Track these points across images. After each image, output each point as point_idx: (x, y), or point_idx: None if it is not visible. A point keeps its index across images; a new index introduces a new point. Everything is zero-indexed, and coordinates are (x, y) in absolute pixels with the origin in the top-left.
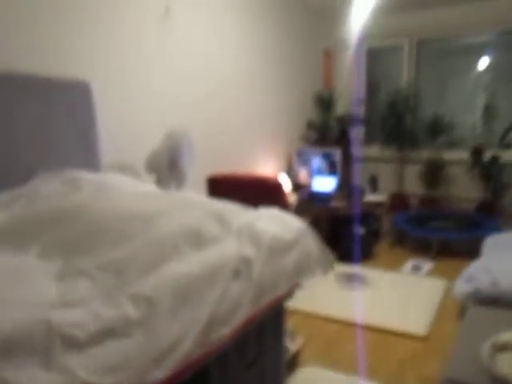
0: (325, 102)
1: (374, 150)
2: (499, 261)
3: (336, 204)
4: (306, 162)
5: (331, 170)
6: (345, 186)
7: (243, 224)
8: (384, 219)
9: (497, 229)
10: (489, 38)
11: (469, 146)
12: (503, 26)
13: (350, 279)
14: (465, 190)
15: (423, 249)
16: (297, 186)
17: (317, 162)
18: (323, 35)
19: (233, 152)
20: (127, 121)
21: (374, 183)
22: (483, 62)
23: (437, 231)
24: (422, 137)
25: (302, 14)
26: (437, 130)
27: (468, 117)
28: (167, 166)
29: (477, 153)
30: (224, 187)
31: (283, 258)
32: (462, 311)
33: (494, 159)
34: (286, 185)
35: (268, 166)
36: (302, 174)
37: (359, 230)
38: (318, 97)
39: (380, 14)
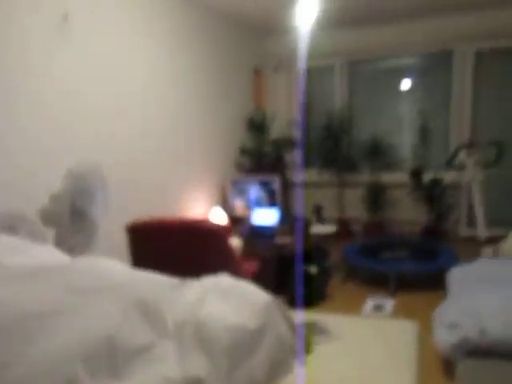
0: (258, 126)
1: (313, 175)
2: (480, 301)
3: (281, 240)
4: (242, 193)
5: (271, 200)
6: (288, 218)
7: (184, 316)
8: (332, 252)
9: (454, 257)
10: (419, 59)
11: (408, 167)
12: (431, 47)
13: (309, 331)
14: (408, 213)
15: (379, 283)
16: (234, 220)
17: (254, 191)
18: (253, 54)
19: (158, 192)
20: (14, 155)
21: (318, 212)
22: (415, 84)
23: (392, 263)
24: (360, 159)
25: (230, 30)
26: (375, 152)
27: (405, 138)
28: (70, 215)
29: (415, 175)
30: (148, 237)
31: (249, 361)
32: (448, 365)
33: (435, 181)
34: (223, 221)
35: (200, 201)
36: (239, 206)
37: (311, 270)
38: (250, 120)
39: (312, 32)
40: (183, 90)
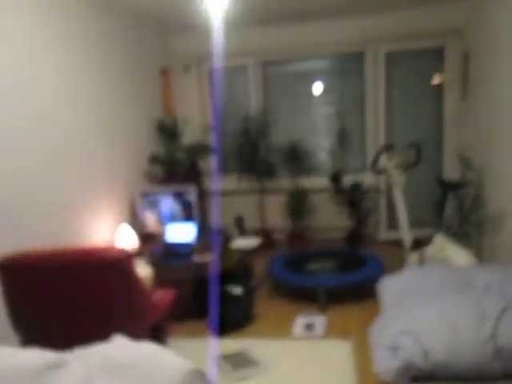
0: (169, 131)
1: (231, 182)
2: (418, 317)
3: (200, 258)
4: (153, 206)
5: (187, 213)
6: (207, 233)
7: None
8: (257, 267)
9: (381, 265)
10: (333, 60)
11: (327, 172)
12: (344, 48)
13: (235, 363)
14: (331, 218)
15: (309, 298)
16: (146, 238)
17: (167, 204)
18: (160, 53)
19: (47, 214)
20: None
21: (240, 225)
22: (330, 86)
23: (320, 277)
24: (279, 165)
25: (132, 28)
26: (293, 156)
27: (323, 142)
28: None
29: (335, 179)
30: (27, 277)
31: None
32: None
33: (355, 185)
34: (131, 241)
35: (106, 219)
36: (151, 222)
37: (234, 290)
38: (160, 125)
39: (223, 31)
40: (81, 93)
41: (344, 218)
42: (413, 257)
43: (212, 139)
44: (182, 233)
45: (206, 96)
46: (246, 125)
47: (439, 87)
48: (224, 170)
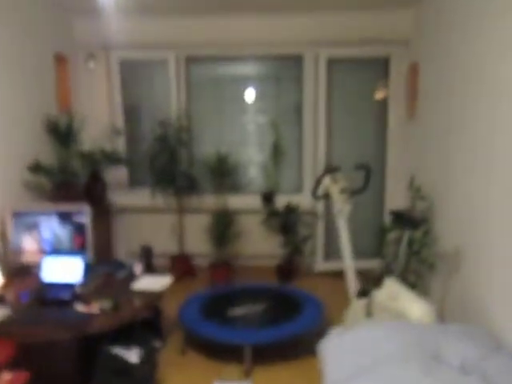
0: (62, 132)
1: (142, 198)
2: None
3: (86, 308)
4: (33, 229)
5: (78, 240)
6: (100, 269)
7: None
8: (166, 308)
9: (319, 311)
10: (269, 63)
11: (259, 190)
12: (280, 49)
13: None
14: (261, 245)
15: (231, 353)
16: (19, 272)
17: (50, 228)
18: (55, 33)
19: None
20: None
21: (147, 257)
22: (265, 93)
23: (244, 329)
24: (202, 180)
25: (22, 2)
26: (220, 171)
27: (254, 155)
28: None
29: (267, 199)
30: None
31: None
32: None
33: (289, 207)
34: None
35: None
36: (30, 249)
37: (131, 357)
38: (50, 124)
39: (138, 16)
40: None
41: (276, 245)
42: (359, 305)
43: (120, 145)
44: (64, 269)
45: (116, 92)
46: (163, 130)
47: (383, 102)
48: (134, 182)
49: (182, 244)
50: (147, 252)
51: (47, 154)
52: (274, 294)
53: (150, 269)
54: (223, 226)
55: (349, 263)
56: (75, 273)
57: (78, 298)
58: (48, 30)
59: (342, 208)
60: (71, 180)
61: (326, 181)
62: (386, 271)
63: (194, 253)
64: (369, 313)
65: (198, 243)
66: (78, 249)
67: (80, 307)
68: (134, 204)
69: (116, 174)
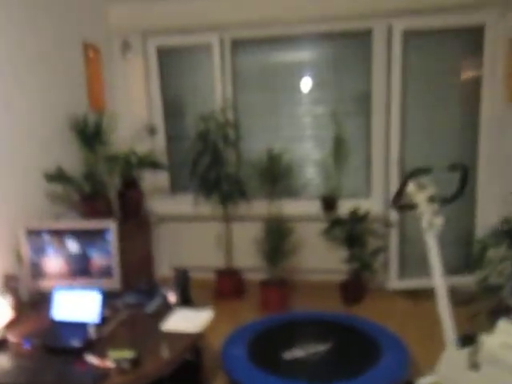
0: (90, 134)
1: (185, 205)
2: None
3: (100, 360)
4: (50, 250)
5: (101, 263)
6: (128, 297)
7: None
8: (206, 346)
9: (401, 358)
10: (329, 43)
11: (318, 194)
12: (342, 24)
13: None
14: (323, 259)
15: None
16: (37, 303)
17: (71, 249)
18: (84, 19)
19: None
20: None
21: (184, 284)
22: (324, 79)
23: (305, 381)
24: (252, 183)
25: None
26: (273, 172)
27: (313, 154)
28: None
29: (328, 204)
30: None
31: None
32: None
33: (356, 215)
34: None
35: None
36: (50, 272)
37: None
38: (77, 124)
39: None
40: None
41: (340, 258)
42: (459, 355)
43: (158, 146)
44: (80, 303)
45: (154, 85)
46: (206, 126)
47: (474, 84)
48: (176, 187)
49: (229, 257)
50: (183, 277)
51: (74, 159)
52: (342, 328)
53: (186, 298)
54: (277, 238)
55: (441, 293)
56: (92, 308)
57: (91, 344)
58: (76, 15)
59: (431, 221)
60: (100, 189)
61: (411, 187)
62: (500, 309)
63: (243, 267)
64: (474, 365)
65: (248, 256)
66: (101, 273)
67: (92, 359)
68: (176, 212)
69: (155, 179)
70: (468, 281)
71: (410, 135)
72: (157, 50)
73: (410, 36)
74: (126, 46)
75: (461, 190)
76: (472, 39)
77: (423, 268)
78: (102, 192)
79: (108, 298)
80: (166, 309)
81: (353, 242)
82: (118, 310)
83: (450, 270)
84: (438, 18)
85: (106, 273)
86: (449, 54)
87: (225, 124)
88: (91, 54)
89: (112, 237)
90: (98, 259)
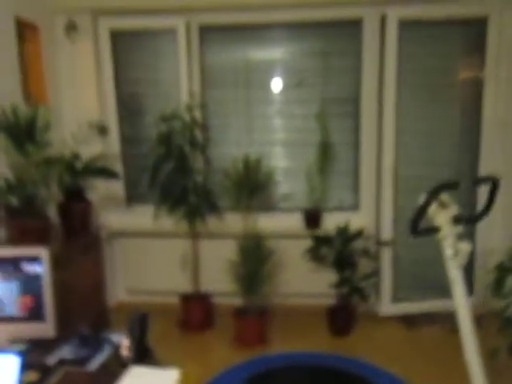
0: (19, 131)
1: (144, 219)
2: None
3: None
4: None
5: (27, 303)
6: (68, 348)
7: None
8: None
9: None
10: (312, 33)
11: (302, 208)
12: (329, 12)
13: None
14: (307, 282)
15: None
16: None
17: None
18: None
19: None
20: None
21: (142, 329)
22: (308, 75)
23: None
24: (223, 194)
25: None
26: (249, 181)
27: (296, 162)
28: None
29: (312, 219)
30: None
31: None
32: None
33: (344, 232)
34: None
35: None
36: None
37: None
38: (2, 119)
39: None
40: None
41: (326, 280)
42: None
43: (113, 147)
44: None
45: (106, 75)
46: (169, 127)
47: (477, 82)
48: (133, 198)
49: (196, 279)
50: (141, 323)
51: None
52: (330, 373)
53: (144, 350)
54: (254, 261)
55: (470, 341)
56: (6, 378)
57: None
58: None
59: (457, 247)
60: (32, 202)
61: (432, 206)
62: None
63: (213, 291)
64: None
65: (218, 278)
66: (29, 317)
67: None
68: (134, 227)
69: (108, 188)
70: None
71: (404, 138)
72: (110, 34)
73: (404, 27)
74: (71, 27)
75: (489, 208)
76: (474, 32)
77: (417, 290)
78: (34, 206)
79: (37, 351)
80: (116, 366)
81: (342, 264)
82: (50, 371)
83: (445, 290)
84: (438, 7)
85: (35, 316)
86: (448, 49)
87: (192, 124)
88: (27, 33)
89: (44, 268)
90: (24, 298)
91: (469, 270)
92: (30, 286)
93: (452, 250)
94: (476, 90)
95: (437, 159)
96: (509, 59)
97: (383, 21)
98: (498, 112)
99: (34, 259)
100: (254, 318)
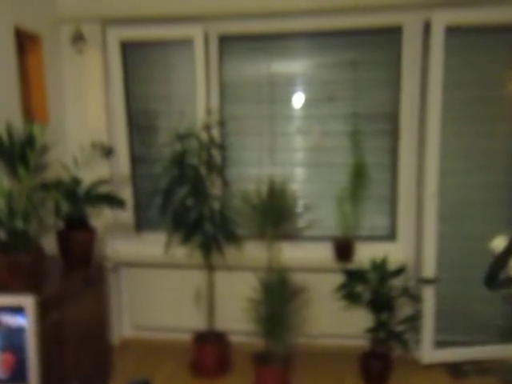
0: (13, 153)
1: (154, 247)
2: None
3: None
4: None
5: (8, 362)
6: None
7: None
8: None
9: None
10: (344, 43)
11: (329, 237)
12: (363, 20)
13: None
14: (338, 322)
15: None
16: None
17: None
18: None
19: None
20: None
21: None
22: (339, 90)
23: None
24: (242, 222)
25: None
26: (279, 210)
27: (325, 186)
28: None
29: (343, 251)
30: None
31: None
32: None
33: (382, 267)
34: None
35: None
36: None
37: None
38: None
39: None
40: None
41: (359, 321)
42: None
43: (123, 169)
44: None
45: (116, 90)
46: (184, 147)
47: None
48: (143, 224)
49: (211, 316)
50: None
51: None
52: None
53: None
54: (277, 300)
55: None
56: None
57: None
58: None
59: None
60: (23, 237)
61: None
62: None
63: (230, 329)
64: None
65: (236, 315)
66: (10, 378)
67: None
68: (143, 256)
69: (115, 213)
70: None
71: (447, 159)
72: (120, 45)
73: (454, 33)
74: (77, 37)
75: None
76: None
77: (464, 334)
78: (26, 238)
79: None
80: None
81: (379, 306)
82: None
83: (494, 334)
84: (490, 11)
85: (16, 377)
86: (498, 59)
87: (209, 144)
88: (28, 44)
89: (28, 320)
90: (4, 355)
91: None
92: (12, 341)
93: None
94: None
95: (481, 183)
96: None
97: (427, 27)
98: None
99: (16, 310)
100: (277, 366)
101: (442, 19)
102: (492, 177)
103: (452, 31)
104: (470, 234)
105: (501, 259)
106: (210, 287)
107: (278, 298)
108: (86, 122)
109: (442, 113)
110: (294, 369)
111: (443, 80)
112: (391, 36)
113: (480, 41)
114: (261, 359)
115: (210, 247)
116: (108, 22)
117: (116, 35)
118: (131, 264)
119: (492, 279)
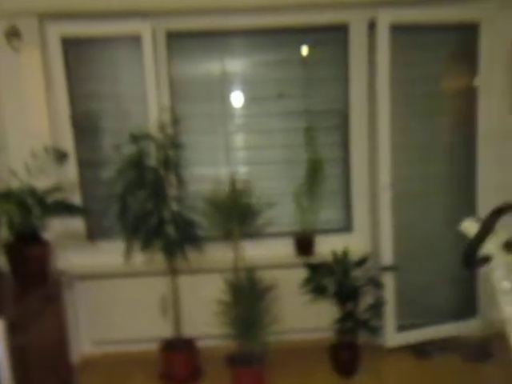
0: None
1: (112, 256)
2: None
3: None
4: None
5: None
6: None
7: None
8: None
9: None
10: (294, 41)
11: (290, 232)
12: (314, 18)
13: None
14: (302, 317)
15: None
16: None
17: None
18: None
19: None
20: None
21: None
22: (294, 85)
23: None
24: (203, 223)
25: None
26: (242, 210)
27: (283, 183)
28: None
29: (304, 245)
30: None
31: None
32: None
33: (343, 258)
34: None
35: None
36: None
37: None
38: None
39: None
40: None
41: (323, 313)
42: None
43: (68, 176)
44: None
45: (59, 91)
46: (138, 148)
47: (471, 92)
48: (93, 233)
49: (177, 323)
50: None
51: None
52: None
53: None
54: (247, 300)
55: None
56: None
57: None
58: None
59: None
60: None
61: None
62: None
63: (199, 334)
64: None
65: (204, 319)
66: None
67: None
68: (99, 267)
69: (63, 223)
70: (473, 327)
71: (396, 153)
72: (61, 42)
73: (399, 31)
74: (12, 33)
75: None
76: (466, 39)
77: (423, 316)
78: None
79: None
80: None
81: (345, 297)
82: None
83: (449, 314)
84: (432, 11)
85: None
86: (439, 56)
87: (166, 144)
88: None
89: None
90: None
91: (472, 283)
92: None
93: (506, 281)
94: (470, 97)
95: (429, 172)
96: (503, 66)
97: (372, 26)
98: (494, 121)
99: None
100: (255, 366)
101: (386, 18)
102: (432, 168)
103: (396, 29)
104: (418, 223)
105: (478, 240)
106: (175, 293)
107: (249, 297)
108: (26, 126)
109: (390, 108)
110: (268, 367)
111: (390, 76)
112: (339, 34)
113: (423, 39)
114: (237, 361)
115: (173, 251)
116: (47, 16)
117: (56, 31)
118: (86, 276)
119: (469, 260)
